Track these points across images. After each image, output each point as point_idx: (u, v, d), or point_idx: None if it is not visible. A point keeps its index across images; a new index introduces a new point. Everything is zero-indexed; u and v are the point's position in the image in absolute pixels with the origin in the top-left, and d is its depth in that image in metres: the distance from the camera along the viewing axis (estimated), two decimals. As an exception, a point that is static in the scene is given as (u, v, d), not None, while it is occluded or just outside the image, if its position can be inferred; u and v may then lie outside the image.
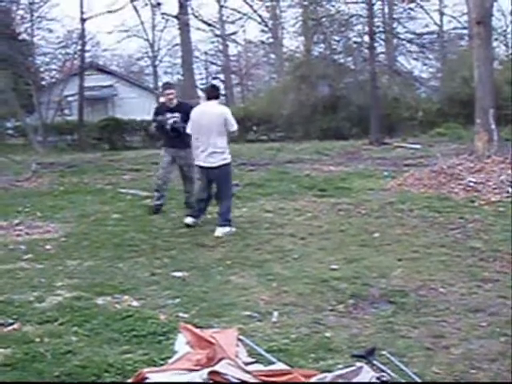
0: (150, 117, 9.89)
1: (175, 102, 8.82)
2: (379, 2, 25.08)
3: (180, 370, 3.15)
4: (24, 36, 27.26)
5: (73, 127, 25.96)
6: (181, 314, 4.43)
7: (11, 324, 4.23)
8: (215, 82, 33.31)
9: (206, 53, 37.02)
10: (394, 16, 26.71)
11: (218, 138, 7.38)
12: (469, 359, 3.60)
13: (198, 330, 3.67)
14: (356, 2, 23.39)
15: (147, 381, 3.07)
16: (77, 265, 5.97)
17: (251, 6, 31.66)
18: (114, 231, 7.57)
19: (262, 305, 4.66)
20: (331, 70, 25.28)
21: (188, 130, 7.75)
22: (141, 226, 7.90)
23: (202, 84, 34.78)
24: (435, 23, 29.90)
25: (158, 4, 19.53)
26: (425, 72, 30.17)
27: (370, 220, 7.93)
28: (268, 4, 31.87)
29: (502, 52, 24.97)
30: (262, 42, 34.66)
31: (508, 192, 9.05)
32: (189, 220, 7.75)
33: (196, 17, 21.62)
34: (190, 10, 19.28)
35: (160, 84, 26.08)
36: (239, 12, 31.48)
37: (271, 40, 33.65)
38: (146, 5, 23.56)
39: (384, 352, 3.57)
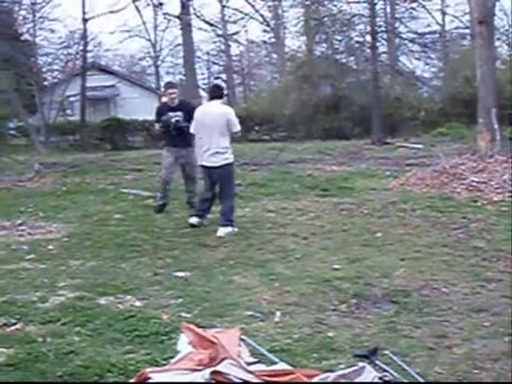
0: (152, 117, 9.93)
1: (177, 101, 8.85)
2: (381, 2, 25.09)
3: (182, 370, 3.15)
4: (26, 36, 27.30)
5: (75, 127, 26.00)
6: (183, 314, 4.42)
7: (14, 324, 4.23)
8: (218, 81, 33.32)
9: (208, 53, 37.07)
10: (396, 15, 26.71)
11: (220, 138, 7.38)
12: (472, 359, 3.59)
13: (200, 330, 3.67)
14: (358, 2, 23.41)
15: (150, 381, 3.07)
16: (79, 265, 5.98)
17: (253, 6, 31.66)
18: (117, 231, 7.57)
19: (264, 305, 4.66)
20: (333, 69, 25.29)
21: (191, 130, 7.75)
22: (143, 226, 7.90)
23: (204, 84, 34.88)
24: (437, 23, 29.88)
25: (160, 4, 19.54)
26: (427, 72, 30.23)
27: (372, 220, 7.92)
28: (270, 4, 31.87)
29: (504, 51, 24.93)
30: (264, 42, 34.70)
31: (511, 191, 9.04)
32: (194, 220, 7.75)
33: (198, 17, 21.63)
34: (192, 10, 19.29)
35: (162, 84, 26.09)
36: (241, 12, 31.48)
37: (273, 40, 33.67)
38: (148, 5, 23.64)
39: (386, 352, 3.56)
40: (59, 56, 29.21)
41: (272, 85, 36.27)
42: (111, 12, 24.03)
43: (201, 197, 7.95)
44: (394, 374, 3.18)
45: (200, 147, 7.52)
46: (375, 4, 22.39)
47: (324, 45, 26.89)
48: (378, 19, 23.25)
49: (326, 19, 23.96)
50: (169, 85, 9.87)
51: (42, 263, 6.05)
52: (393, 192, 10.03)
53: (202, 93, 24.63)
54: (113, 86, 30.89)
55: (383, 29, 24.26)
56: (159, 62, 32.86)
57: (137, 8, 25.94)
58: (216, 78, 37.44)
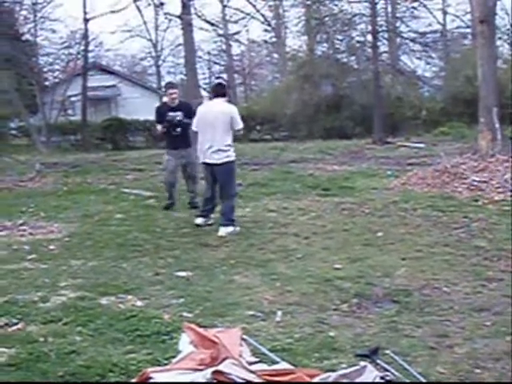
0: (153, 117, 9.93)
1: (177, 101, 8.89)
2: (382, 1, 25.12)
3: (184, 370, 3.15)
4: (27, 36, 27.35)
5: (76, 127, 26.03)
6: (185, 314, 4.43)
7: (15, 324, 4.23)
8: (221, 80, 33.30)
9: (209, 52, 37.08)
10: (397, 15, 26.70)
11: (223, 135, 7.38)
12: (473, 358, 3.58)
13: (201, 330, 3.67)
14: (359, 1, 23.40)
15: (151, 380, 3.07)
16: (81, 265, 5.98)
17: (254, 6, 31.73)
18: (118, 231, 7.58)
19: (265, 304, 4.66)
20: (334, 69, 25.30)
21: (193, 128, 7.75)
22: (144, 225, 7.91)
23: (206, 84, 34.87)
24: (438, 22, 29.87)
25: (161, 4, 19.52)
26: (428, 71, 30.20)
27: (373, 219, 7.92)
28: (271, 3, 31.90)
29: (505, 51, 24.88)
30: (265, 42, 34.72)
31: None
32: (199, 221, 7.75)
33: (199, 16, 21.61)
34: (193, 10, 19.26)
35: (163, 84, 26.10)
36: (242, 12, 31.53)
37: (274, 39, 33.68)
38: (149, 5, 23.61)
39: (388, 351, 3.56)
40: (60, 56, 29.27)
41: (273, 84, 36.30)
42: (112, 12, 24.03)
43: (204, 197, 7.95)
44: (396, 373, 3.18)
45: (202, 144, 7.51)
46: (376, 3, 22.39)
47: (325, 44, 26.92)
48: (379, 19, 23.28)
49: (327, 19, 23.97)
50: (169, 85, 9.92)
51: (43, 263, 6.06)
52: (394, 191, 10.03)
53: (203, 93, 24.63)
54: (114, 85, 30.91)
55: (384, 28, 24.28)
56: (160, 62, 32.92)
57: (138, 8, 25.99)
58: (217, 78, 37.41)
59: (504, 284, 5.00)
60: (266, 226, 7.69)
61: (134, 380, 3.21)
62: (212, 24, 26.60)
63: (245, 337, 3.67)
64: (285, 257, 6.12)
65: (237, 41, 35.09)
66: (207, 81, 37.49)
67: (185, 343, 3.56)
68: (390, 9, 27.04)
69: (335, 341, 3.88)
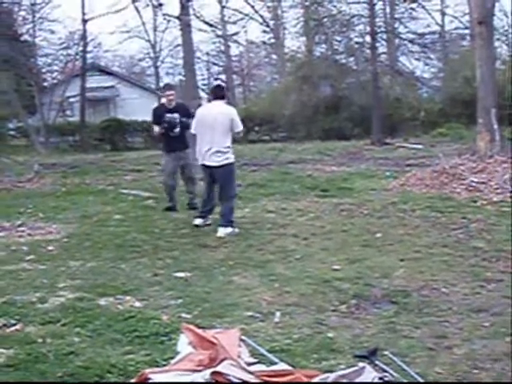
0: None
1: (174, 103, 8.89)
2: (380, 2, 25.09)
3: (182, 371, 3.15)
4: (26, 37, 27.33)
5: (75, 128, 26.02)
6: (183, 315, 4.42)
7: (14, 325, 4.23)
8: (220, 81, 33.29)
9: (207, 53, 37.07)
10: (396, 16, 26.70)
11: (223, 138, 7.37)
12: (472, 359, 3.59)
13: (200, 331, 3.67)
14: (358, 2, 23.43)
15: (150, 381, 3.06)
16: (79, 266, 5.97)
17: (253, 7, 31.75)
18: (116, 232, 7.57)
19: (264, 305, 4.66)
20: (333, 70, 25.31)
21: (192, 130, 7.74)
22: (143, 226, 7.90)
23: (204, 85, 34.88)
24: (437, 23, 29.91)
25: (160, 5, 19.49)
26: (426, 72, 30.22)
27: (372, 220, 7.92)
28: (269, 4, 31.93)
29: (503, 52, 24.91)
30: (264, 43, 34.70)
31: (510, 192, 9.03)
32: (198, 221, 7.76)
33: (198, 17, 21.56)
34: (191, 11, 19.26)
35: (162, 85, 26.08)
36: (241, 12, 31.56)
37: (273, 40, 33.70)
38: (148, 5, 23.58)
39: (386, 352, 3.56)
40: (59, 57, 29.27)
41: (272, 85, 36.33)
42: (111, 13, 24.03)
43: (202, 198, 7.96)
44: (394, 374, 3.18)
45: (201, 147, 7.50)
46: (375, 4, 22.41)
47: (324, 45, 26.93)
48: (377, 20, 23.28)
49: (325, 20, 23.98)
50: (167, 86, 9.95)
51: (41, 264, 6.05)
52: (392, 192, 10.04)
53: (202, 93, 24.65)
54: (112, 86, 30.88)
55: (383, 29, 24.28)
56: (159, 63, 32.88)
57: (136, 9, 25.92)
58: (216, 79, 37.45)
59: (503, 285, 5.00)
60: (265, 226, 7.69)
61: (132, 381, 3.21)
62: (211, 25, 26.58)
63: (243, 338, 3.67)
64: (283, 258, 6.12)
65: (235, 42, 35.16)
66: (206, 82, 37.53)
67: (183, 344, 3.56)
68: (388, 10, 27.05)
69: (334, 342, 3.88)
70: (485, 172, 9.97)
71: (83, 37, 26.02)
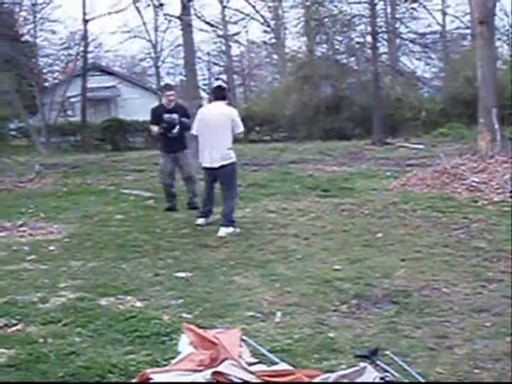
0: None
1: (173, 104, 8.89)
2: (382, 2, 25.09)
3: (183, 371, 3.15)
4: (27, 37, 27.38)
5: (76, 128, 26.04)
6: (184, 315, 4.42)
7: (15, 325, 4.23)
8: (220, 82, 33.28)
9: (208, 53, 37.09)
10: (397, 16, 26.70)
11: (224, 139, 7.38)
12: (473, 359, 3.59)
13: (201, 331, 3.67)
14: (359, 2, 23.41)
15: (151, 381, 3.07)
16: (80, 266, 5.98)
17: (254, 7, 31.77)
18: (117, 232, 7.58)
19: (265, 305, 4.66)
20: (334, 70, 25.31)
21: (194, 131, 7.74)
22: (144, 226, 7.91)
23: (205, 85, 34.88)
24: (438, 23, 29.90)
25: (161, 5, 19.51)
26: (427, 72, 30.21)
27: (373, 220, 7.92)
28: (270, 4, 31.93)
29: (505, 52, 24.89)
30: (265, 43, 34.72)
31: (511, 192, 9.03)
32: (200, 221, 7.79)
33: (199, 17, 21.58)
34: (192, 11, 19.27)
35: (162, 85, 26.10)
36: (242, 12, 31.59)
37: (274, 40, 33.70)
38: (149, 6, 23.59)
39: (387, 352, 3.56)
40: (60, 57, 29.33)
41: (272, 85, 36.34)
42: (112, 13, 24.04)
43: (202, 198, 7.98)
44: (395, 374, 3.18)
45: (203, 148, 7.52)
46: (376, 4, 22.40)
47: (325, 45, 26.93)
48: (378, 20, 23.28)
49: (326, 20, 23.97)
50: (167, 87, 9.97)
51: (42, 264, 6.06)
52: (393, 192, 10.03)
53: (203, 93, 24.64)
54: (113, 86, 30.90)
55: (384, 29, 24.28)
56: (160, 63, 32.91)
57: (137, 9, 25.95)
58: (217, 79, 37.46)
59: (504, 285, 5.00)
60: (266, 226, 7.69)
61: (133, 381, 3.21)
62: (212, 25, 26.60)
63: (244, 338, 3.67)
64: (284, 258, 6.12)
65: (236, 42, 35.18)
66: (207, 82, 37.54)
67: (184, 344, 3.56)
68: (389, 10, 27.05)
69: (335, 342, 3.88)
70: (486, 172, 9.97)
71: (84, 37, 26.04)
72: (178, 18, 17.28)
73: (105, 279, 5.43)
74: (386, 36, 24.81)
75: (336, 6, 24.28)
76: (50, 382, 3.36)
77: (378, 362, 3.31)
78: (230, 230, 7.26)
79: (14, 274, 5.65)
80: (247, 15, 31.39)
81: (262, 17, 32.61)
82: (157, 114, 8.93)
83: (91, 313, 4.45)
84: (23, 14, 26.93)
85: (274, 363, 3.39)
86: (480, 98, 11.11)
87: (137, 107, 27.02)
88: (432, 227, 7.37)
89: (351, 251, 6.29)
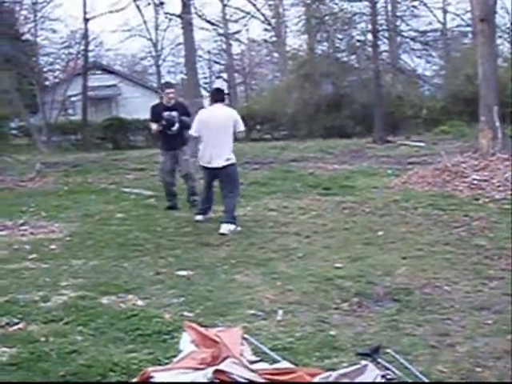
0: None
1: (173, 101, 8.89)
2: (382, 0, 25.07)
3: (185, 369, 3.15)
4: (27, 36, 27.37)
5: (77, 127, 26.05)
6: (185, 313, 4.43)
7: (16, 323, 4.23)
8: (219, 83, 33.32)
9: (209, 52, 37.08)
10: (398, 14, 26.66)
11: (225, 140, 7.48)
12: (474, 357, 3.58)
13: (202, 329, 3.67)
14: (359, 0, 23.35)
15: (152, 380, 3.07)
16: (81, 264, 5.98)
17: (254, 5, 31.73)
18: (119, 230, 7.58)
19: (266, 303, 4.66)
20: (335, 68, 25.28)
21: (194, 133, 7.77)
22: (145, 225, 7.91)
23: (206, 83, 34.88)
24: (439, 21, 29.84)
25: (161, 3, 19.50)
26: (428, 70, 30.14)
27: (374, 218, 7.92)
28: (271, 3, 31.91)
29: (505, 49, 24.82)
30: (265, 41, 34.71)
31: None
32: (199, 217, 7.90)
33: (199, 16, 21.56)
34: (193, 9, 19.27)
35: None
36: (242, 11, 31.52)
37: (274, 39, 33.68)
38: (149, 4, 23.59)
39: (389, 350, 3.56)
40: (60, 56, 29.31)
41: (273, 84, 36.28)
42: (112, 11, 24.03)
43: (201, 197, 8.05)
44: (397, 372, 3.19)
45: (204, 149, 7.60)
46: (376, 2, 22.37)
47: (325, 43, 26.88)
48: (379, 17, 23.26)
49: (327, 18, 23.94)
50: (167, 85, 9.97)
51: (44, 263, 6.06)
52: (394, 190, 10.03)
53: (204, 92, 24.62)
54: (114, 85, 30.91)
55: (384, 27, 24.26)
56: (160, 62, 32.94)
57: (138, 7, 25.97)
58: (217, 78, 37.48)
59: (504, 282, 5.00)
60: (267, 225, 7.70)
61: (135, 379, 3.21)
62: (212, 23, 26.59)
63: (246, 336, 3.67)
64: (285, 256, 6.13)
65: (237, 40, 35.08)
66: (207, 80, 37.55)
67: (186, 342, 3.56)
68: (390, 7, 27.01)
69: (336, 340, 3.88)
70: (487, 170, 9.96)
71: (85, 36, 26.03)
72: (179, 16, 17.29)
73: (106, 278, 5.43)
74: (386, 34, 24.79)
75: (337, 4, 24.24)
76: (52, 381, 3.36)
77: (380, 360, 3.31)
78: (232, 227, 7.28)
79: (15, 273, 5.65)
80: (248, 13, 31.34)
81: (263, 15, 32.61)
82: (156, 112, 8.92)
83: (93, 311, 4.45)
84: (24, 12, 26.95)
85: (275, 361, 3.39)
86: (481, 95, 11.10)
87: (138, 106, 27.01)
88: (433, 225, 7.37)
89: (352, 249, 6.29)
